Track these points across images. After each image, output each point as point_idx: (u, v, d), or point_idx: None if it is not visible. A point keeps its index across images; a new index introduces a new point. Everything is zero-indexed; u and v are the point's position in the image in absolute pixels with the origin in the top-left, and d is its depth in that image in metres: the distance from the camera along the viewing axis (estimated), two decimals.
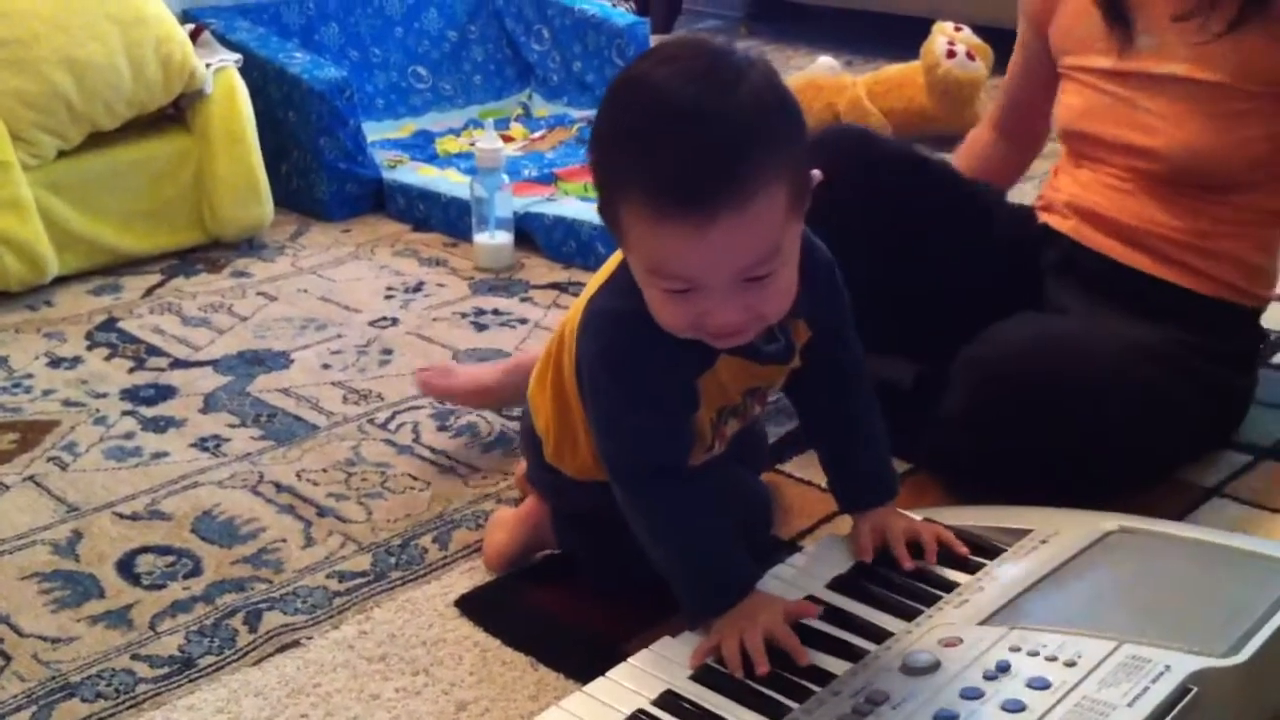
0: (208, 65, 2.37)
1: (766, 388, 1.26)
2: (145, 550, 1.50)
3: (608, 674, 1.13)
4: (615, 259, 1.21)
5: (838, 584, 1.23)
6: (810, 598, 1.21)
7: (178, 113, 2.40)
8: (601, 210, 1.10)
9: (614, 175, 1.05)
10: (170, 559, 1.48)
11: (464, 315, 2.13)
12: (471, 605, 1.38)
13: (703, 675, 1.12)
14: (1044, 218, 1.71)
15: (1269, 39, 1.49)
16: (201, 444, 1.73)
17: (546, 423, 1.32)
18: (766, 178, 1.01)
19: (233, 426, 1.78)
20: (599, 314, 1.18)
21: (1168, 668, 1.01)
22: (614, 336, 1.16)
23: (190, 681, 1.29)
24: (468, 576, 1.43)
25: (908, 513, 1.30)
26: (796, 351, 1.22)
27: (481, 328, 2.07)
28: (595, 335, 1.17)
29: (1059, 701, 0.99)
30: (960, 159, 1.88)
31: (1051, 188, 1.73)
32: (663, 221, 1.01)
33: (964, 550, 1.25)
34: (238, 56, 2.45)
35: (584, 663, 1.23)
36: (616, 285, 1.17)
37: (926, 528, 1.27)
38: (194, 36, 2.42)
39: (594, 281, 1.24)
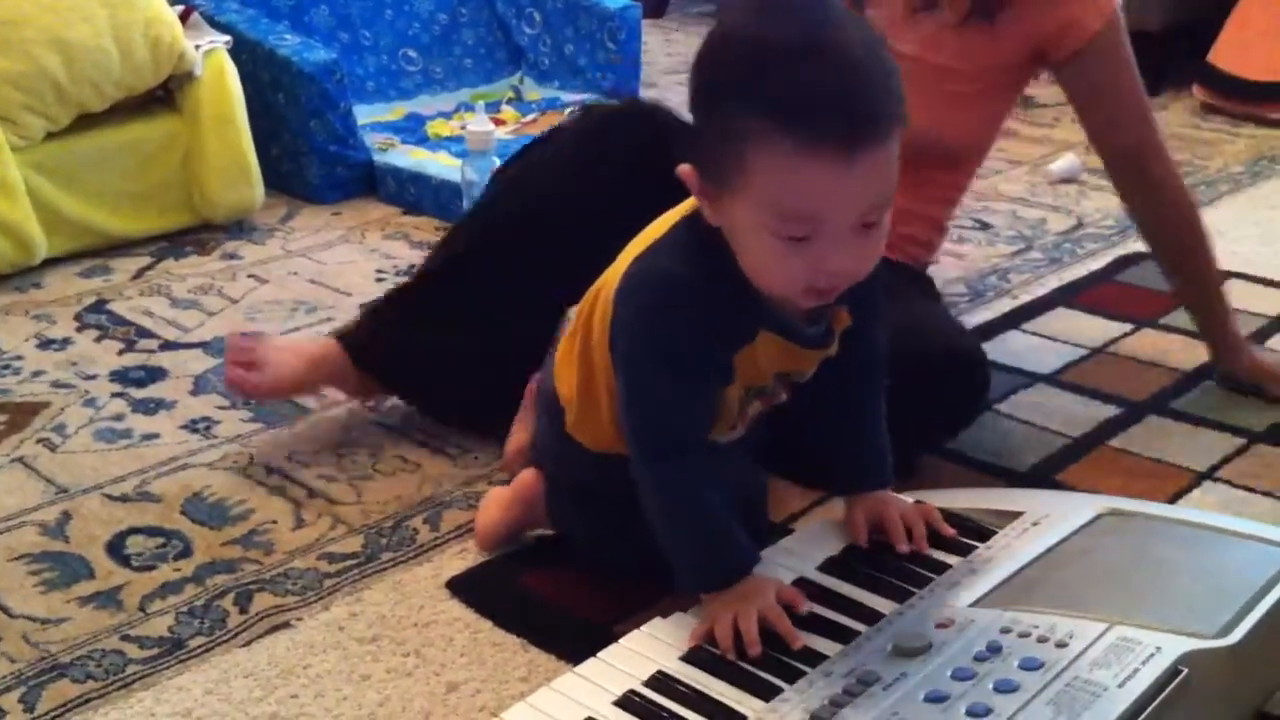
0: (197, 47, 2.35)
1: (798, 375, 1.25)
2: (135, 531, 1.49)
3: (599, 655, 1.13)
4: (658, 225, 1.20)
5: (829, 566, 1.23)
6: (802, 579, 1.21)
7: (167, 95, 2.38)
8: (707, 163, 1.07)
9: (745, 116, 1.02)
10: (160, 540, 1.48)
11: None
12: (463, 587, 1.38)
13: (694, 656, 1.12)
14: None
15: (990, 35, 1.56)
16: (191, 426, 1.73)
17: (570, 391, 1.29)
18: (899, 113, 1.03)
19: (223, 409, 1.77)
20: (645, 273, 1.16)
21: (1159, 649, 1.01)
22: (657, 296, 1.14)
23: (180, 662, 1.28)
24: (459, 558, 1.43)
25: (900, 496, 1.30)
26: (835, 338, 1.21)
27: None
28: (637, 293, 1.15)
29: (1050, 682, 0.99)
30: None
31: None
32: (811, 154, 1.00)
33: (950, 532, 1.25)
34: (227, 38, 2.43)
35: (575, 644, 1.23)
36: (666, 246, 1.16)
37: (918, 510, 1.27)
38: (183, 18, 2.41)
39: (636, 245, 1.21)
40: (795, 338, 1.17)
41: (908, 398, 1.30)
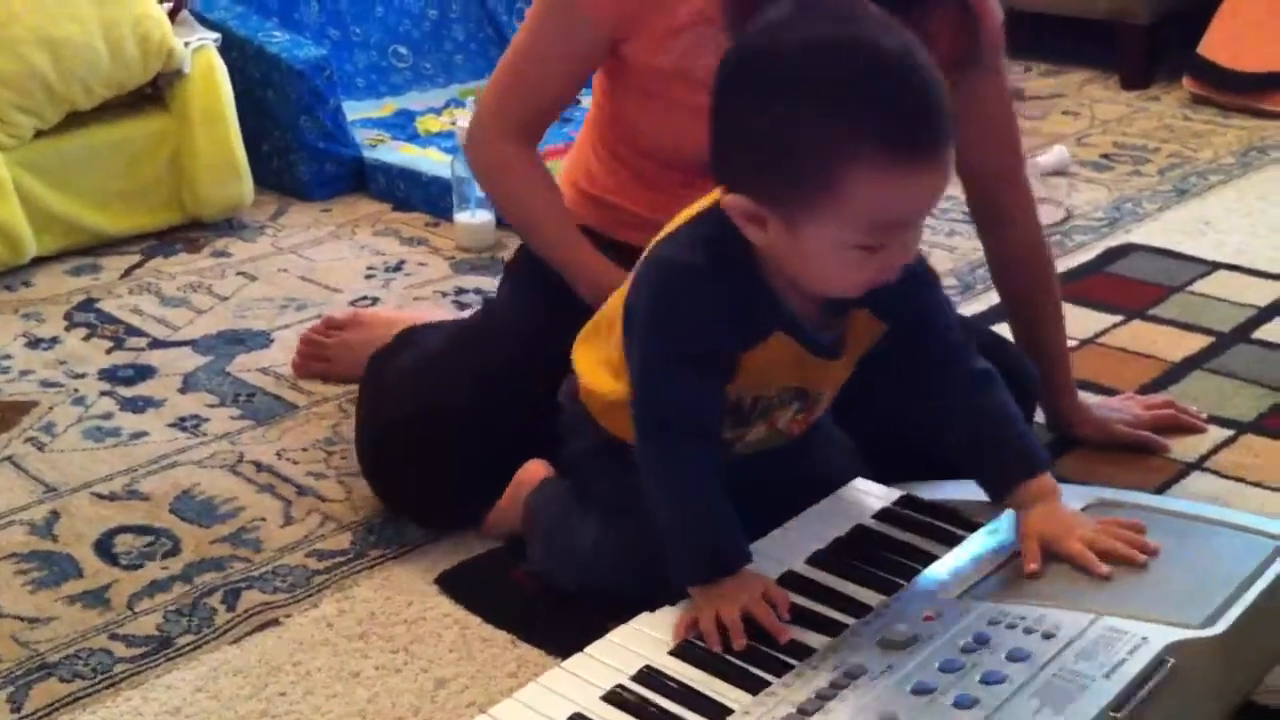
0: (186, 44, 2.35)
1: (814, 396, 1.24)
2: (123, 530, 1.49)
3: (586, 650, 1.13)
4: (685, 213, 1.19)
5: (817, 559, 1.23)
6: (790, 573, 1.21)
7: (156, 92, 2.38)
8: (768, 184, 1.07)
9: (835, 142, 1.03)
10: (148, 539, 1.48)
11: (445, 294, 2.12)
12: (452, 583, 1.38)
13: (682, 650, 1.12)
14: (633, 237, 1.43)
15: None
16: (180, 424, 1.73)
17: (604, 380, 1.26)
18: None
19: (212, 406, 1.77)
20: (661, 262, 1.16)
21: (1145, 639, 1.01)
22: (671, 287, 1.14)
23: (168, 660, 1.28)
24: (448, 554, 1.43)
25: (1075, 511, 1.19)
26: (846, 348, 1.19)
27: (463, 306, 2.06)
28: (651, 282, 1.16)
29: (1037, 673, 0.99)
30: (539, 187, 1.54)
31: (641, 204, 1.51)
32: (903, 167, 1.03)
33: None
34: (216, 35, 2.43)
35: (564, 639, 1.22)
36: (686, 237, 1.16)
37: (1105, 530, 1.15)
38: (172, 15, 2.40)
39: (666, 229, 1.20)
40: (807, 342, 1.16)
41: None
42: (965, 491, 1.33)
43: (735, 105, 1.08)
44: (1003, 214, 1.58)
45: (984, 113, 1.50)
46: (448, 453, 1.42)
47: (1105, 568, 1.11)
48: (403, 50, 3.01)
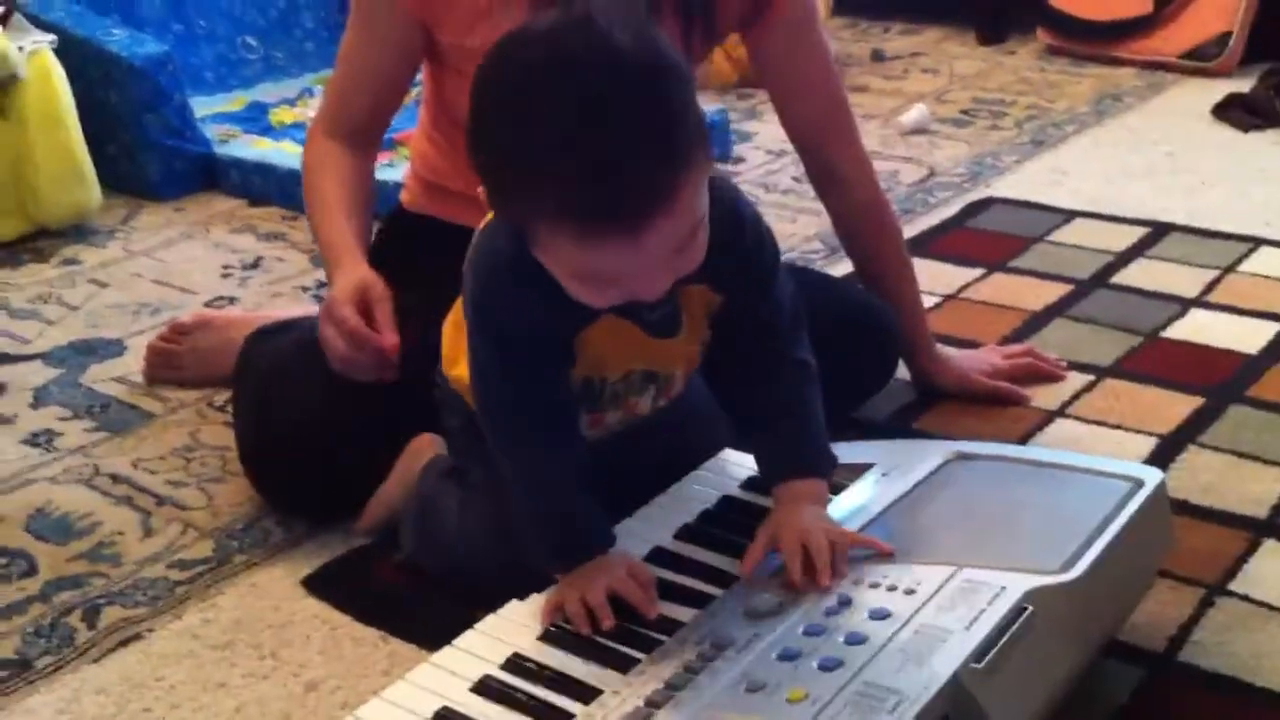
0: (20, 48, 2.26)
1: (664, 376, 1.21)
2: None
3: (454, 642, 1.11)
4: None
5: (685, 533, 1.22)
6: (658, 548, 1.20)
7: None
8: (499, 210, 1.04)
9: (526, 191, 0.97)
10: (3, 561, 1.42)
11: (305, 289, 2.08)
12: (319, 583, 1.35)
13: (551, 636, 1.10)
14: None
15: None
16: (33, 440, 1.67)
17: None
18: (693, 161, 0.96)
19: (65, 420, 1.72)
20: (481, 250, 1.12)
21: (1003, 589, 1.01)
22: (489, 279, 1.10)
23: (29, 684, 1.24)
24: (314, 555, 1.40)
25: (824, 515, 1.14)
26: (683, 324, 1.16)
27: (323, 300, 2.01)
28: (473, 270, 1.11)
29: (899, 630, 0.99)
30: (333, 183, 1.51)
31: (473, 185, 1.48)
32: (590, 239, 0.95)
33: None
34: (52, 37, 2.34)
35: (435, 633, 1.20)
36: (495, 226, 1.10)
37: (829, 542, 1.10)
38: (3, 19, 2.31)
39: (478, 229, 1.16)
40: (637, 319, 1.12)
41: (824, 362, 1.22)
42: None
43: (472, 110, 1.00)
44: (834, 173, 1.59)
45: (795, 71, 1.52)
46: (339, 440, 1.39)
47: (799, 576, 1.07)
48: (252, 41, 2.94)
